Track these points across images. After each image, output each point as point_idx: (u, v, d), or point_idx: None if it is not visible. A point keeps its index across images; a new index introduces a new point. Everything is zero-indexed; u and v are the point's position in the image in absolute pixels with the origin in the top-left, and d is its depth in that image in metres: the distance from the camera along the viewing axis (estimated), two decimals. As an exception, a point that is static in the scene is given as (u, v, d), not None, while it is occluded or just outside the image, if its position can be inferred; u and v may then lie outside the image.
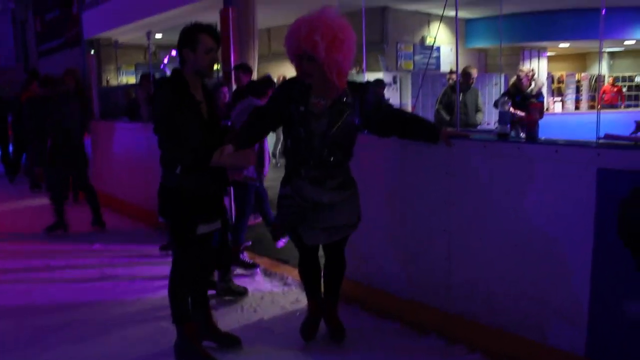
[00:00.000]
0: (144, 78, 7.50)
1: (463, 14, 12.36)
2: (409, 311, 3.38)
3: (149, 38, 6.06)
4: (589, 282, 2.58)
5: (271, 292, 4.14)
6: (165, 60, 12.05)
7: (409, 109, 11.05)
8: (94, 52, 8.69)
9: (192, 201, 2.89)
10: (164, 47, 13.43)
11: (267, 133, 3.14)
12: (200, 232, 2.95)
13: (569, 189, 2.61)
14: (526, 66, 8.33)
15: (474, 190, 2.98)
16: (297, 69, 2.87)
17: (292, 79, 2.98)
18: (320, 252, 3.23)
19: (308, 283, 3.27)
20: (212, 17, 8.39)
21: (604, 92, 13.22)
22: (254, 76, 7.94)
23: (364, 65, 5.39)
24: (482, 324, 3.03)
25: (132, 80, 14.34)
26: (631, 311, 2.43)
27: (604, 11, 3.26)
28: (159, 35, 12.17)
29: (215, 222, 3.05)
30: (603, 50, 15.40)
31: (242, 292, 4.02)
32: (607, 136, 2.65)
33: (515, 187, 2.80)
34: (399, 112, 3.25)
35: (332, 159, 2.90)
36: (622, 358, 2.51)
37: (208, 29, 2.85)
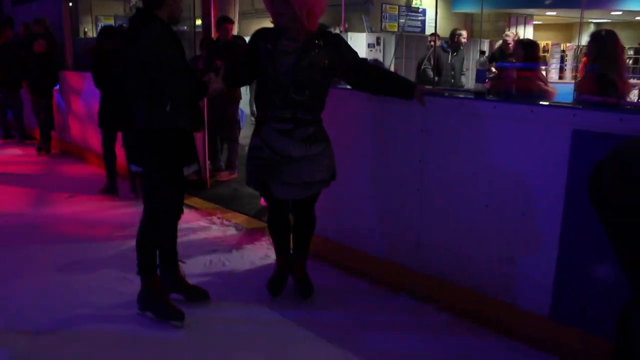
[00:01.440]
0: (104, 33, 5.47)
1: (451, -24, 12.18)
2: (380, 270, 3.36)
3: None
4: (557, 244, 2.57)
5: (240, 246, 4.11)
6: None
7: (393, 70, 10.94)
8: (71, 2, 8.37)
9: (179, 141, 2.87)
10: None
11: (254, 74, 3.03)
12: (185, 174, 2.94)
13: (543, 150, 2.58)
14: (512, 31, 8.20)
15: (449, 149, 2.93)
16: (269, 8, 2.86)
17: (264, 28, 2.99)
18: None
19: (277, 239, 3.24)
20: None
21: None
22: (235, 32, 7.77)
23: (341, 26, 5.25)
24: (453, 284, 3.02)
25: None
26: (596, 275, 2.43)
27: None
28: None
29: (194, 163, 3.02)
30: (590, 20, 15.33)
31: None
32: (584, 98, 2.61)
33: (490, 146, 2.76)
34: (374, 67, 3.19)
35: (298, 98, 2.83)
36: (582, 321, 2.53)
37: None
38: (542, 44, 15.81)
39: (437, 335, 2.88)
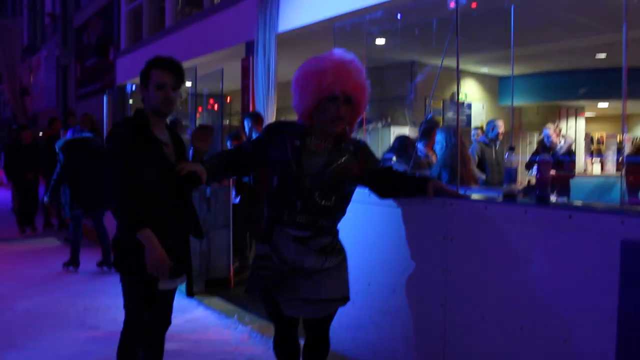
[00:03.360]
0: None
1: (497, 70, 12.03)
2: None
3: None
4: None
5: (254, 355, 3.70)
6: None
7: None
8: (116, 97, 8.73)
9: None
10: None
11: (242, 172, 2.77)
12: (162, 288, 2.57)
13: (586, 263, 2.15)
14: (554, 123, 7.75)
15: (475, 259, 2.53)
16: (324, 112, 2.43)
17: (283, 121, 2.67)
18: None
19: None
20: (235, 66, 8.37)
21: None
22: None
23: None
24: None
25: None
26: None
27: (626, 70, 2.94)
28: (188, 84, 12.20)
29: (179, 277, 2.66)
30: (645, 112, 14.80)
31: None
32: (634, 201, 2.20)
33: (522, 257, 2.35)
34: (393, 172, 2.74)
35: (323, 203, 2.44)
36: None
37: (162, 63, 2.55)
38: (596, 135, 15.34)
39: None
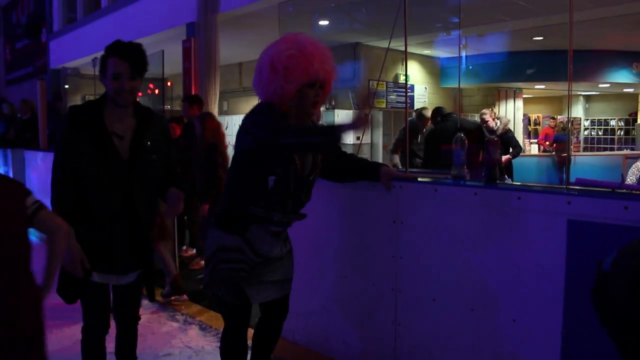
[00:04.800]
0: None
1: (439, 52, 12.16)
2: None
3: (93, 65, 5.64)
4: (558, 357, 2.12)
5: (203, 349, 3.62)
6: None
7: (380, 147, 10.73)
8: (52, 81, 8.33)
9: (83, 242, 2.34)
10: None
11: None
12: (96, 280, 2.44)
13: (534, 244, 2.17)
14: (495, 109, 8.01)
15: (425, 243, 2.52)
16: (305, 99, 2.31)
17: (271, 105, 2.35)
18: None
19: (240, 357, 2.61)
20: (175, 48, 8.11)
21: (545, 134, 13.09)
22: (216, 110, 7.58)
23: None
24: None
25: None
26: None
27: (571, 51, 3.04)
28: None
29: (119, 274, 2.51)
30: (579, 93, 15.36)
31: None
32: (578, 181, 2.23)
33: (472, 238, 2.35)
34: (343, 156, 2.66)
35: (304, 199, 2.41)
36: None
37: (119, 50, 2.37)
38: (533, 116, 15.81)
39: None
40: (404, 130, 6.48)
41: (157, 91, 10.78)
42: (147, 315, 4.14)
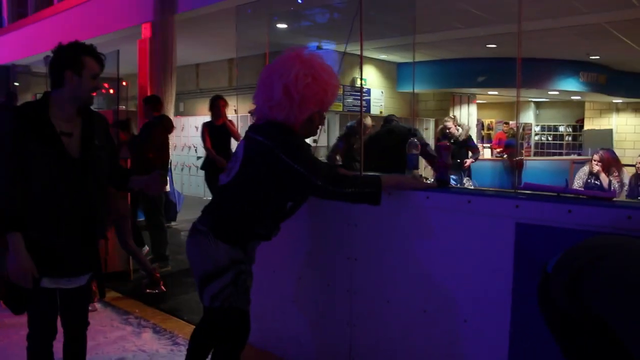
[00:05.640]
0: None
1: (396, 57, 12.33)
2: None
3: (45, 64, 5.49)
4: (506, 357, 2.19)
5: (157, 352, 3.57)
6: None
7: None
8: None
9: (32, 246, 2.29)
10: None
11: None
12: (46, 285, 2.37)
13: (484, 246, 2.24)
14: (451, 116, 8.34)
15: (379, 245, 2.56)
16: (315, 122, 2.37)
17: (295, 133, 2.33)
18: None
19: None
20: (131, 48, 7.97)
21: (498, 139, 13.48)
22: (172, 111, 7.50)
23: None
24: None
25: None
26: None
27: (520, 59, 3.13)
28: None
29: (70, 277, 2.45)
30: (530, 99, 15.81)
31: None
32: (526, 185, 2.31)
33: (425, 242, 2.41)
34: None
35: (290, 214, 2.49)
36: None
37: (94, 52, 2.40)
38: (486, 121, 16.20)
39: None
40: (340, 136, 6.61)
41: (112, 91, 10.57)
42: (99, 318, 4.07)
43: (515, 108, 16.90)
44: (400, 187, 2.43)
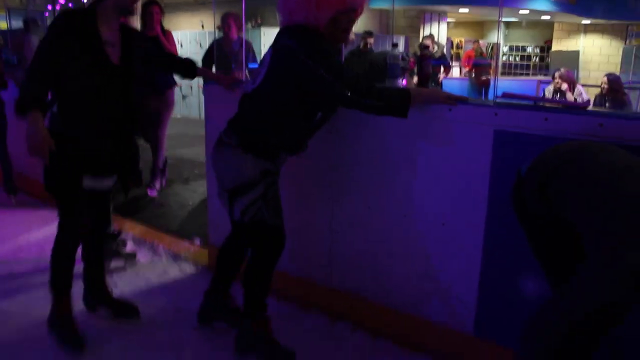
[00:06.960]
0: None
1: (367, -28, 12.05)
2: (289, 287, 3.03)
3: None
4: (480, 257, 2.34)
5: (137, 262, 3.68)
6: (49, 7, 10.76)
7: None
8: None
9: (74, 147, 2.49)
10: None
11: None
12: (87, 186, 2.58)
13: (463, 153, 2.33)
14: (420, 32, 8.68)
15: (360, 153, 2.64)
16: (341, 23, 2.26)
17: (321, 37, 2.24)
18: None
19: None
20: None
21: (468, 57, 13.55)
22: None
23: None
24: (368, 302, 2.74)
25: (3, 25, 12.76)
26: (522, 289, 2.22)
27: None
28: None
29: (106, 177, 2.70)
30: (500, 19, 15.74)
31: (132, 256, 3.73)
32: (504, 95, 2.38)
33: (404, 148, 2.49)
34: None
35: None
36: (508, 337, 2.30)
37: None
38: (455, 40, 16.13)
39: (354, 356, 2.61)
40: None
41: None
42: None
43: (485, 28, 16.84)
44: (431, 101, 2.34)
